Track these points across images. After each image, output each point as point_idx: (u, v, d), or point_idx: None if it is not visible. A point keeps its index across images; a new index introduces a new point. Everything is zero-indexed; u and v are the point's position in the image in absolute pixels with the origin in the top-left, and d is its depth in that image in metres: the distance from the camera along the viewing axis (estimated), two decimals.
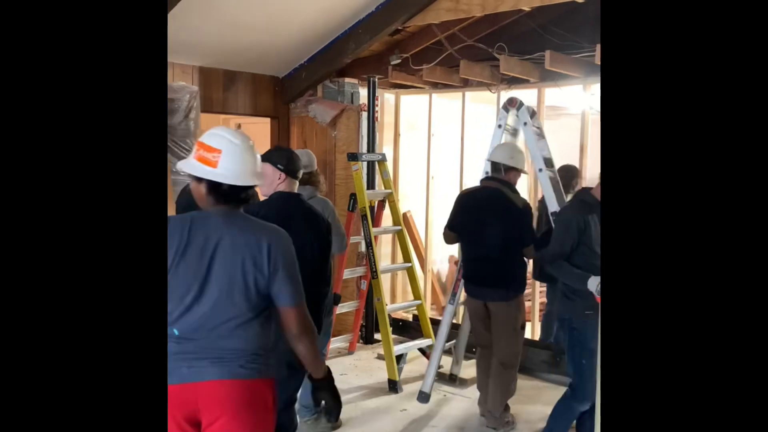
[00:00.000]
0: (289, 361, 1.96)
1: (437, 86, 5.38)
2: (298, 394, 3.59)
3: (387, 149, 5.54)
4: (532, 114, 3.79)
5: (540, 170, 3.63)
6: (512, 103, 3.86)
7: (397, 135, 5.60)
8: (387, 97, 5.55)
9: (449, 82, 5.09)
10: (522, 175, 3.48)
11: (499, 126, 3.87)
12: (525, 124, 3.73)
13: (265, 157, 2.31)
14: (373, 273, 4.23)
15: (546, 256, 2.88)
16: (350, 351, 4.82)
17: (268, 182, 2.38)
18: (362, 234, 4.37)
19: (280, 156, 2.43)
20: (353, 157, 4.33)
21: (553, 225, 3.27)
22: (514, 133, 3.89)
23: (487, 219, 3.34)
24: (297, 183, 2.46)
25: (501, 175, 3.39)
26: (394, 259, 5.38)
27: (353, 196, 4.41)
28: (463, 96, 5.24)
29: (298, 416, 3.48)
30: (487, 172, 3.66)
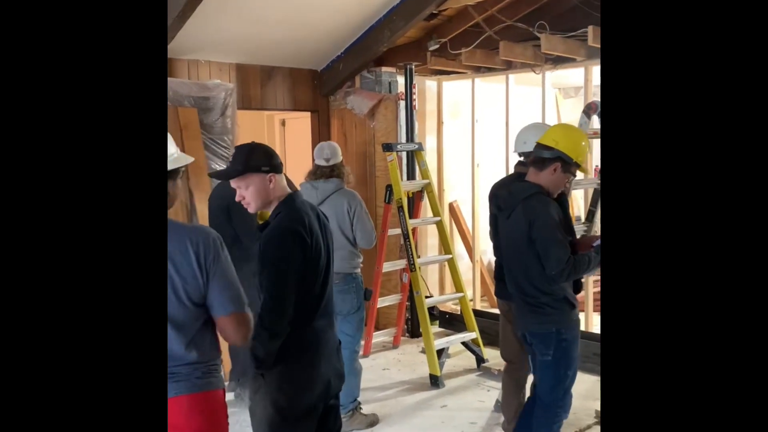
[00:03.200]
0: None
1: (480, 70, 5.19)
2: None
3: (430, 138, 5.41)
4: None
5: None
6: (593, 108, 3.50)
7: (440, 123, 5.45)
8: (429, 85, 5.41)
9: (491, 65, 4.89)
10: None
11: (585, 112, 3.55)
12: None
13: (240, 169, 1.91)
14: (411, 266, 4.13)
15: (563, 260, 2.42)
16: (395, 345, 4.75)
17: (258, 194, 1.92)
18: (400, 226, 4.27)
19: (256, 158, 1.92)
20: (388, 147, 4.23)
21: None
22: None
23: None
24: (284, 178, 2.02)
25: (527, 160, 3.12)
26: (441, 251, 5.26)
27: (389, 188, 4.32)
28: (507, 79, 5.02)
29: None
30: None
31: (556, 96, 6.32)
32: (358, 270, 3.35)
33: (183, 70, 4.35)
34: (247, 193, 1.92)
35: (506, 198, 2.56)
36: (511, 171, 3.57)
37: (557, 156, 2.43)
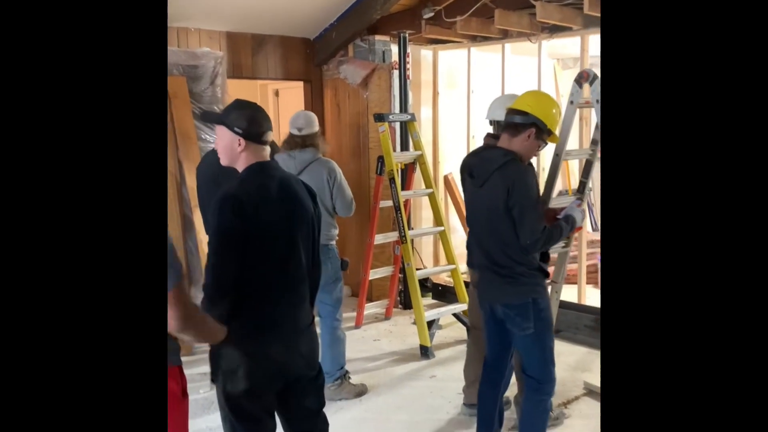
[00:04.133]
0: None
1: (476, 39, 5.09)
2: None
3: (425, 109, 5.35)
4: None
5: None
6: (584, 77, 3.20)
7: (435, 94, 5.38)
8: (424, 54, 5.32)
9: (487, 34, 4.79)
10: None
11: (571, 102, 3.25)
12: (598, 101, 3.04)
13: (219, 118, 1.89)
14: (402, 238, 4.10)
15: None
16: (387, 316, 4.75)
17: (225, 150, 1.88)
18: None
19: (238, 116, 1.85)
20: (380, 117, 4.18)
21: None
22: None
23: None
24: (266, 149, 1.90)
25: (496, 131, 2.96)
26: (435, 224, 5.23)
27: (381, 159, 4.28)
28: (503, 48, 4.93)
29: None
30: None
31: (555, 67, 6.23)
32: (334, 242, 3.35)
33: (172, 39, 4.27)
34: (218, 144, 1.92)
35: (479, 165, 2.46)
36: None
37: (532, 122, 2.37)
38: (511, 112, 2.43)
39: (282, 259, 1.85)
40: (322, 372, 2.05)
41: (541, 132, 2.40)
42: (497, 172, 2.35)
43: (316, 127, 3.36)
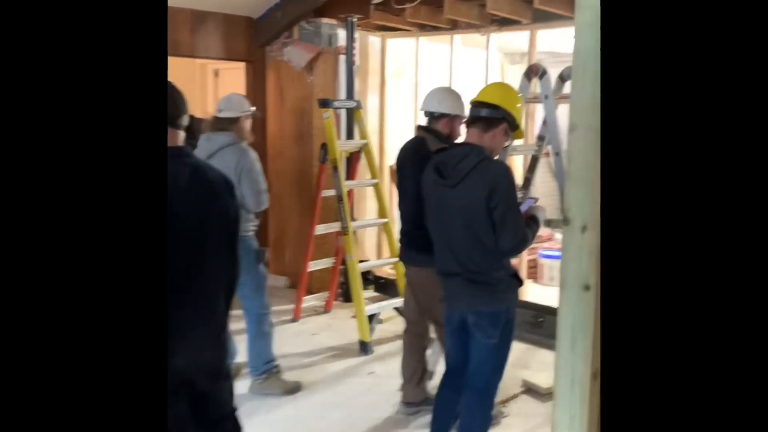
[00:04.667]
0: None
1: (425, 28, 4.99)
2: (236, 359, 3.37)
3: (372, 97, 5.22)
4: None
5: (557, 154, 3.10)
6: (534, 71, 3.17)
7: (383, 82, 5.26)
8: (372, 41, 5.18)
9: (436, 24, 4.70)
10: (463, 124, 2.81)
11: (546, 97, 3.18)
12: (546, 97, 3.01)
13: None
14: (344, 229, 3.98)
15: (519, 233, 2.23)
16: (326, 309, 4.62)
17: None
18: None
19: None
20: (324, 103, 4.02)
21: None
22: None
23: (405, 172, 2.88)
24: (178, 133, 1.67)
25: (431, 124, 2.87)
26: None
27: (324, 147, 4.12)
28: (452, 39, 4.86)
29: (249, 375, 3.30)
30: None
31: (502, 61, 6.21)
32: (249, 233, 3.14)
33: None
34: None
35: (450, 164, 2.26)
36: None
37: (503, 116, 2.25)
38: (479, 105, 2.29)
39: (188, 258, 1.57)
40: (230, 379, 1.80)
41: (510, 127, 2.29)
42: (475, 171, 2.18)
43: (239, 111, 3.13)
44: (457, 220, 2.25)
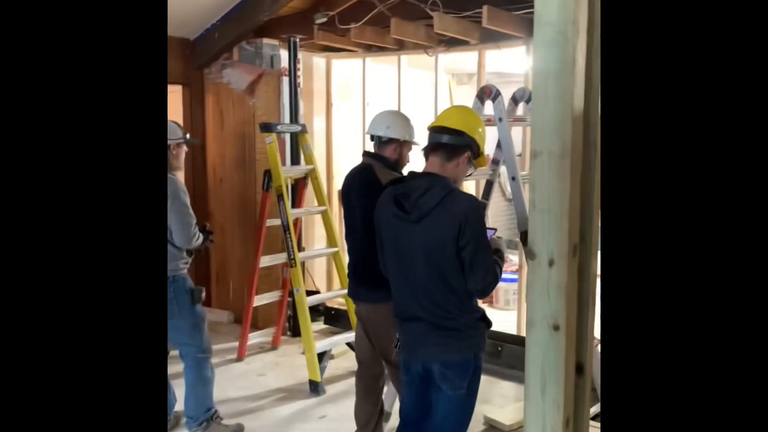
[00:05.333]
0: None
1: (371, 49, 4.85)
2: (177, 407, 3.10)
3: (318, 120, 5.02)
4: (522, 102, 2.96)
5: (513, 179, 2.96)
6: (487, 93, 2.99)
7: (329, 104, 5.07)
8: (316, 62, 5.00)
9: (382, 44, 4.56)
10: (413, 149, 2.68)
11: (500, 120, 2.93)
12: (500, 120, 2.84)
13: None
14: (291, 261, 3.73)
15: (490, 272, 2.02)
16: (274, 346, 4.34)
17: None
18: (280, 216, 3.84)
19: None
20: (267, 127, 3.79)
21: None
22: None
23: (352, 201, 2.68)
24: None
25: (379, 150, 2.68)
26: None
27: (267, 173, 3.88)
28: (399, 60, 4.72)
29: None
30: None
31: (450, 82, 6.14)
32: (180, 272, 2.86)
33: None
34: None
35: (412, 197, 2.00)
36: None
37: (467, 143, 2.05)
38: (440, 131, 2.07)
39: None
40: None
41: (473, 154, 2.09)
42: (442, 206, 1.96)
43: (170, 138, 2.85)
44: (419, 260, 2.01)
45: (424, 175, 2.07)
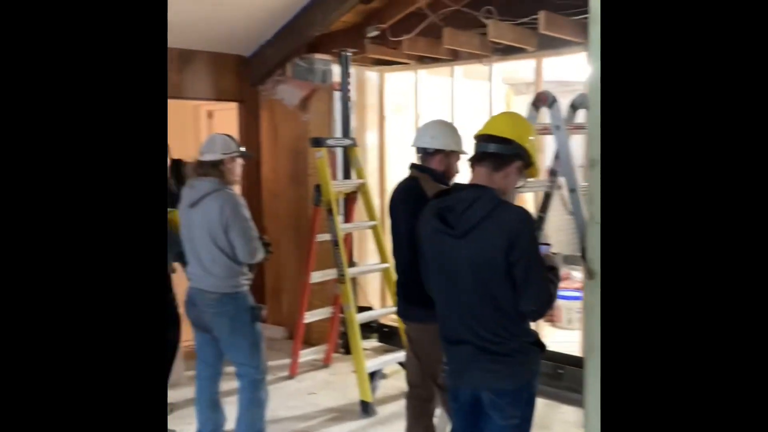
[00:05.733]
0: None
1: (424, 61, 4.76)
2: (227, 426, 3.06)
3: (371, 134, 4.96)
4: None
5: (572, 190, 2.80)
6: (542, 100, 2.79)
7: (382, 118, 5.00)
8: (369, 76, 4.95)
9: (436, 55, 4.46)
10: (461, 157, 2.55)
11: (557, 127, 2.73)
12: (558, 128, 2.66)
13: None
14: (341, 277, 3.65)
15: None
16: (326, 363, 4.27)
17: None
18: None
19: None
20: (317, 142, 3.75)
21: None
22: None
23: (398, 216, 2.57)
24: None
25: (425, 162, 2.58)
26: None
27: (317, 188, 3.84)
28: (452, 70, 4.61)
29: None
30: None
31: (508, 93, 5.96)
32: (242, 288, 2.81)
33: None
34: None
35: (458, 210, 1.87)
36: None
37: (516, 152, 1.90)
38: (486, 139, 1.93)
39: None
40: None
41: (525, 165, 1.93)
42: (489, 220, 1.82)
43: (221, 153, 2.80)
44: (466, 278, 1.87)
45: (470, 186, 1.93)
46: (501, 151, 1.90)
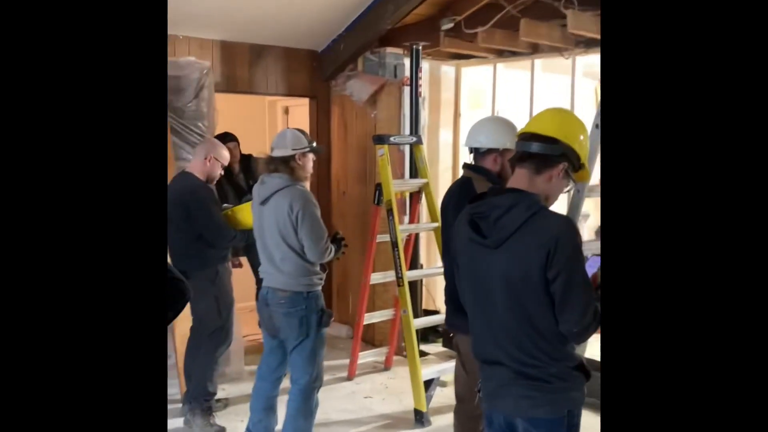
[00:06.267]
0: None
1: (503, 54, 4.51)
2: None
3: (444, 132, 4.79)
4: None
5: (578, 191, 2.57)
6: None
7: (457, 114, 4.82)
8: (445, 70, 4.78)
9: (514, 48, 4.21)
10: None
11: (597, 126, 2.61)
12: (597, 126, 2.52)
13: None
14: (399, 280, 3.51)
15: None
16: (386, 366, 4.15)
17: None
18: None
19: None
20: (379, 139, 3.63)
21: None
22: None
23: (448, 220, 2.38)
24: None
25: (479, 162, 2.40)
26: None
27: (378, 187, 3.71)
28: (532, 64, 4.33)
29: None
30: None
31: (596, 88, 5.55)
32: (315, 288, 2.72)
33: None
34: None
35: (491, 218, 1.67)
36: None
37: (562, 153, 1.68)
38: (529, 137, 1.71)
39: None
40: None
41: (573, 167, 1.71)
42: (526, 229, 1.62)
43: (291, 149, 2.75)
44: (500, 294, 1.68)
45: (508, 191, 1.72)
46: (545, 151, 1.68)
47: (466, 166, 2.45)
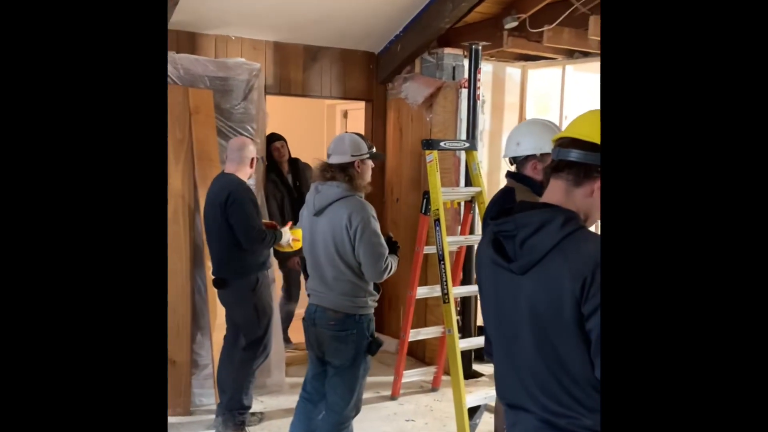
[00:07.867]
0: None
1: (573, 55, 4.17)
2: None
3: None
4: None
5: None
6: None
7: (521, 119, 4.50)
8: (510, 72, 4.48)
9: (582, 48, 3.87)
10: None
11: None
12: None
13: None
14: (444, 296, 3.26)
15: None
16: (434, 387, 3.89)
17: None
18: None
19: None
20: (428, 144, 3.39)
21: None
22: None
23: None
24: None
25: (520, 170, 2.17)
26: None
27: (426, 195, 3.48)
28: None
29: None
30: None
31: None
32: (367, 311, 2.48)
33: (209, 48, 3.82)
34: None
35: (520, 236, 1.40)
36: None
37: None
38: (567, 144, 1.42)
39: None
40: None
41: None
42: (558, 253, 1.34)
43: (350, 155, 2.47)
44: (526, 329, 1.39)
45: (540, 206, 1.44)
46: (585, 159, 1.38)
47: (508, 174, 2.19)
